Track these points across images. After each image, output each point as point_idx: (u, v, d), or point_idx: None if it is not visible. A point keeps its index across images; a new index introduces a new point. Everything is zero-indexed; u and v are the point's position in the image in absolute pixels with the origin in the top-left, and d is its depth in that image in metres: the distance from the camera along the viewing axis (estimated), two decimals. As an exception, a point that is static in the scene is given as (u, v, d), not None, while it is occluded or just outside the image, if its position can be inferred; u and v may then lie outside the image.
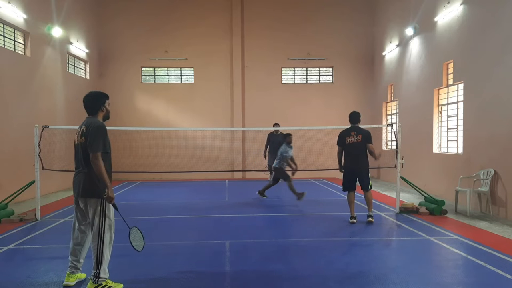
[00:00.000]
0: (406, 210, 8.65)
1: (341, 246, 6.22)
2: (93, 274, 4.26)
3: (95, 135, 4.18)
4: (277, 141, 12.65)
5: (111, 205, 4.32)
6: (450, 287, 4.52)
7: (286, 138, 10.14)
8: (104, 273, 4.27)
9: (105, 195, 4.21)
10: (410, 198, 10.49)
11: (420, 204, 8.86)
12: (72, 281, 4.46)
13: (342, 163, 7.79)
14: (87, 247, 4.55)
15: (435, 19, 11.21)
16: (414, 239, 6.57)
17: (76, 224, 4.47)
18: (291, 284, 4.59)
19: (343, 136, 7.71)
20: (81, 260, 4.52)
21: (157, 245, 6.07)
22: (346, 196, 7.78)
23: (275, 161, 10.27)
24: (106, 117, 4.51)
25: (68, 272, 4.48)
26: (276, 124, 12.79)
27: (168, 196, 11.82)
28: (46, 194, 11.47)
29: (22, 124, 10.67)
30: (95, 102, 4.42)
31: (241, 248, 6.11)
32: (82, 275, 4.60)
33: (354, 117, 7.79)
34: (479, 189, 8.69)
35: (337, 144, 7.81)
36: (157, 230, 7.40)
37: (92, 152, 4.14)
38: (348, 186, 7.71)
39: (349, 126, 7.82)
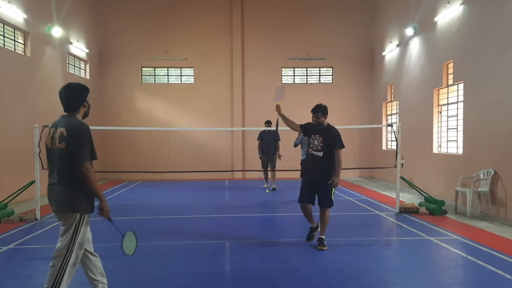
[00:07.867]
0: (406, 210, 8.65)
1: (341, 246, 6.21)
2: None
3: (81, 141, 3.43)
4: (271, 139, 12.62)
5: (88, 223, 3.61)
6: (450, 287, 4.52)
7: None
8: None
9: (99, 210, 3.57)
10: (410, 198, 10.49)
11: (420, 204, 8.87)
12: None
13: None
14: (95, 261, 3.79)
15: (435, 19, 11.21)
16: (414, 239, 6.57)
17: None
18: (291, 284, 4.59)
19: None
20: (98, 275, 3.77)
21: (157, 245, 6.07)
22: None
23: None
24: (87, 114, 3.74)
25: None
26: (268, 122, 12.75)
27: (168, 196, 11.81)
28: (46, 194, 11.45)
29: (22, 124, 10.67)
30: (77, 95, 3.63)
31: (241, 248, 6.11)
32: None
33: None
34: (479, 189, 8.69)
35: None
36: (157, 230, 7.39)
37: (81, 162, 3.40)
38: None
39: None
